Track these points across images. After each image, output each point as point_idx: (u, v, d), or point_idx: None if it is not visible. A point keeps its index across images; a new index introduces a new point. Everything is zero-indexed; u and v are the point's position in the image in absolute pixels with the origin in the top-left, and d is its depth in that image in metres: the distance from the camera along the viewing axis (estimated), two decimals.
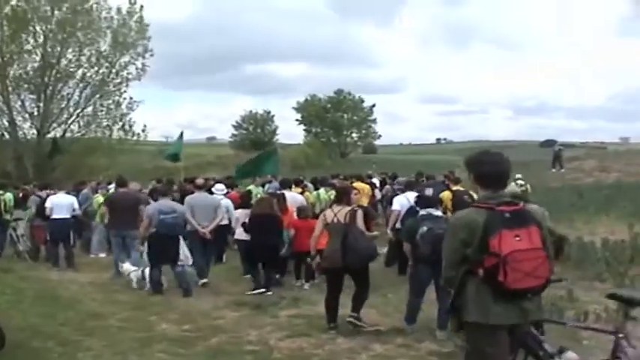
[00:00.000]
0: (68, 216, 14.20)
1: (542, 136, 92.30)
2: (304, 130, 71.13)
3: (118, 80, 37.92)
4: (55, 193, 15.05)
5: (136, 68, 38.15)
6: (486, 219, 4.08)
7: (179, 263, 10.92)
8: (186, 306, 9.72)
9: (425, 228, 7.90)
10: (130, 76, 38.08)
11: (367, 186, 18.35)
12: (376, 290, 9.62)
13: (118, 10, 37.35)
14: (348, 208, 8.45)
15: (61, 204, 14.17)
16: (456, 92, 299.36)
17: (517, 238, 4.01)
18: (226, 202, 13.28)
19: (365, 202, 15.67)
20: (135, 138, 38.49)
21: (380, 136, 74.62)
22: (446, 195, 14.35)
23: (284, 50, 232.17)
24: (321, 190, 16.34)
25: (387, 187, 20.04)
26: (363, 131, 71.83)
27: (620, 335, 4.80)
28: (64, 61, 36.73)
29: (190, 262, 11.26)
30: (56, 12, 35.98)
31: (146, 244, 11.03)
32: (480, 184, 4.34)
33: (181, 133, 23.04)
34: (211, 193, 13.47)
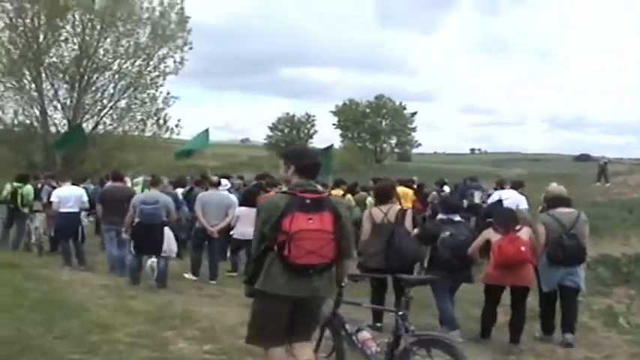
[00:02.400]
0: (77, 210, 13.16)
1: (577, 151, 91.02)
2: (340, 134, 69.79)
3: (156, 73, 36.72)
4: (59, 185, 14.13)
5: (174, 62, 36.99)
6: (286, 202, 4.62)
7: (162, 255, 10.99)
8: (209, 320, 8.17)
9: (447, 233, 7.95)
10: (167, 70, 36.91)
11: (410, 191, 16.98)
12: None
13: (160, 1, 36.11)
14: (398, 207, 8.33)
15: (68, 196, 13.11)
16: (491, 103, 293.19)
17: (310, 221, 4.56)
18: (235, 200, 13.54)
19: (408, 206, 14.42)
20: (168, 134, 37.30)
21: (420, 144, 72.96)
22: None
23: (320, 54, 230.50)
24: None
25: (434, 193, 18.47)
26: (402, 138, 70.12)
27: (400, 313, 5.34)
28: (101, 52, 35.64)
29: (174, 255, 11.38)
30: (97, 0, 34.81)
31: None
32: (299, 173, 4.80)
33: (206, 130, 20.03)
34: None
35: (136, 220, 10.92)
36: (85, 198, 13.65)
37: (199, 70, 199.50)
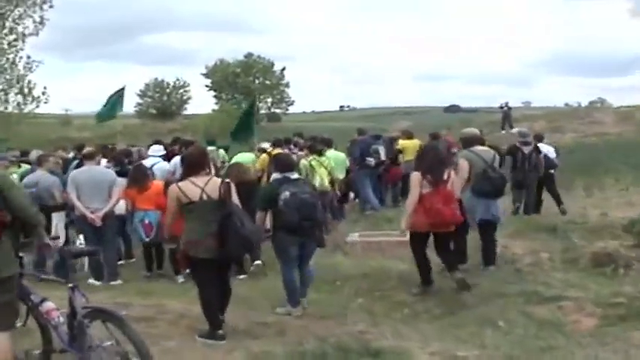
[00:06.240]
0: None
1: (445, 102, 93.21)
2: (214, 96, 67.03)
3: (13, 36, 32.37)
4: None
5: (34, 21, 32.80)
6: None
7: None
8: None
9: (287, 193, 7.24)
10: (26, 31, 32.67)
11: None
12: None
13: None
14: (218, 179, 6.78)
15: None
16: (356, 61, 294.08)
17: None
18: (122, 180, 10.45)
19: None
20: (34, 105, 33.46)
21: (294, 102, 71.27)
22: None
23: (182, 19, 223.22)
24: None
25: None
26: (277, 96, 68.37)
27: (71, 285, 5.11)
28: None
29: (62, 241, 9.27)
30: None
31: None
32: None
33: (122, 88, 18.76)
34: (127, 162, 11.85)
35: None
36: None
37: (58, 44, 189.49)
